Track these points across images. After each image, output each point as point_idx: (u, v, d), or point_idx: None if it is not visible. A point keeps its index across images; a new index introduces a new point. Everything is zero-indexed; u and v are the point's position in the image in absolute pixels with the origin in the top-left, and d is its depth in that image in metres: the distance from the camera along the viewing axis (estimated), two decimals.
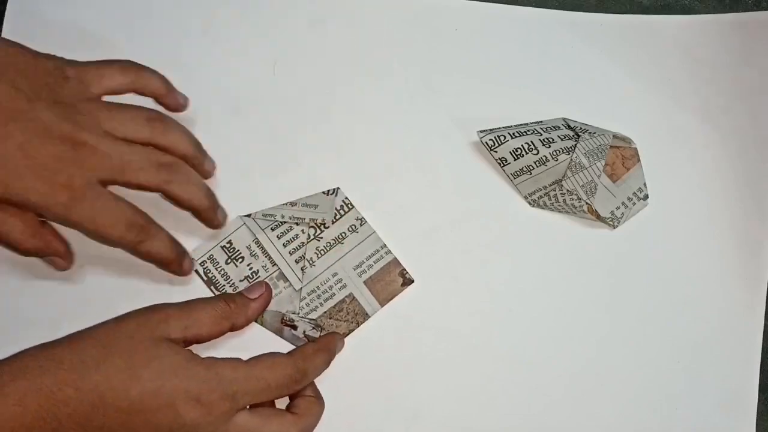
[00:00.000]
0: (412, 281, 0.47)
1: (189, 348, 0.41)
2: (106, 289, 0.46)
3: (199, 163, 0.44)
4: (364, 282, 0.47)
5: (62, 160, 0.39)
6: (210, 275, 0.46)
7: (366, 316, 0.47)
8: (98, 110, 0.41)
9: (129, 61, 0.44)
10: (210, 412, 0.39)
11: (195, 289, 0.46)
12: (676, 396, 0.48)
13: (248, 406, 0.40)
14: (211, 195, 0.44)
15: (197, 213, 0.44)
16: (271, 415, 0.41)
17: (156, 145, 0.42)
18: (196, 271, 0.46)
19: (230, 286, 0.46)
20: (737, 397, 0.48)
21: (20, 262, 0.44)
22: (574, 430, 0.47)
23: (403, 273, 0.48)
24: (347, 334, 0.46)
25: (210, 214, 0.44)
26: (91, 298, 0.46)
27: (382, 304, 0.47)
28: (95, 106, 0.42)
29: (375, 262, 0.47)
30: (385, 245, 0.48)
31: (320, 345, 0.44)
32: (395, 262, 0.47)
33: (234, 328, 0.43)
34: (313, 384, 0.43)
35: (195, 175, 0.43)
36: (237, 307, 0.43)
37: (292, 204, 0.47)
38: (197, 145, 0.44)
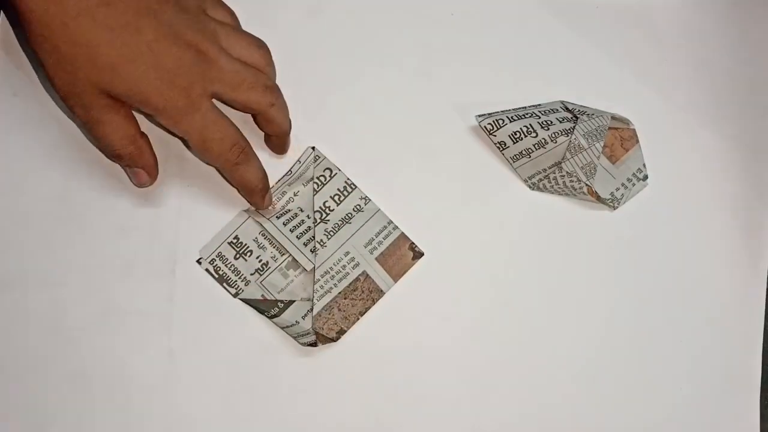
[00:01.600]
0: (422, 254, 0.48)
1: None
2: (107, 282, 0.46)
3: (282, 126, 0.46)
4: (376, 258, 0.47)
5: (185, 66, 0.39)
6: (221, 272, 0.46)
7: (381, 293, 0.47)
8: (218, 26, 0.42)
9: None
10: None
11: (201, 288, 0.47)
12: (679, 376, 0.48)
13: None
14: (290, 121, 0.46)
15: (279, 137, 0.46)
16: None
17: (260, 70, 0.44)
18: (207, 270, 0.46)
19: (242, 281, 0.46)
20: (741, 375, 0.48)
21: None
22: (576, 413, 0.47)
23: (412, 247, 0.48)
24: (364, 313, 0.47)
25: (287, 139, 0.46)
26: (92, 291, 0.46)
27: (395, 280, 0.47)
28: (216, 22, 0.42)
29: (384, 238, 0.47)
30: (391, 221, 0.48)
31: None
32: (403, 236, 0.48)
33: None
34: None
35: (285, 102, 0.45)
36: None
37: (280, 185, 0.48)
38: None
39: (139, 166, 0.44)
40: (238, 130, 0.43)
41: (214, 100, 0.42)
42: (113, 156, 0.43)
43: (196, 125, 0.41)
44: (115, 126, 0.41)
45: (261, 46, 0.45)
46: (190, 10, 0.41)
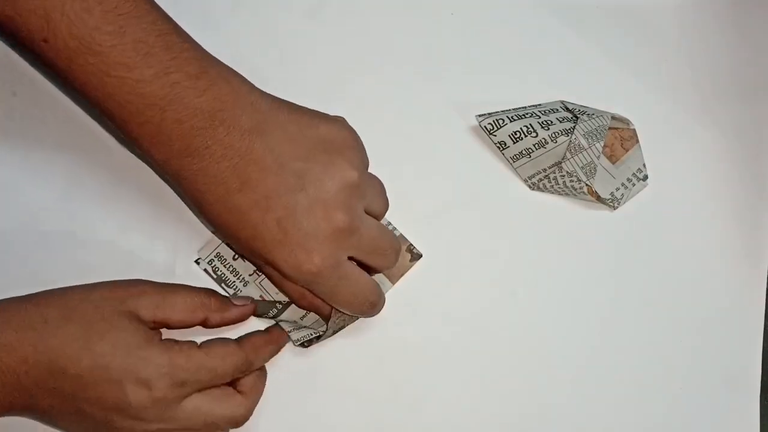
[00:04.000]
0: (421, 256, 0.48)
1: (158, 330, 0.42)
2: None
3: None
4: None
5: (317, 239, 0.40)
6: (219, 273, 0.46)
7: None
8: (368, 187, 0.43)
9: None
10: (157, 397, 0.39)
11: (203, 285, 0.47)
12: (679, 376, 0.48)
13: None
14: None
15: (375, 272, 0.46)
16: (220, 396, 0.42)
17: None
18: (205, 270, 0.46)
19: (240, 281, 0.46)
20: (741, 375, 0.48)
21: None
22: (576, 413, 0.47)
23: (410, 248, 0.48)
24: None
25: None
26: None
27: (393, 282, 0.47)
28: (368, 183, 0.43)
29: None
30: (390, 223, 0.48)
31: (270, 338, 0.45)
32: (402, 238, 0.48)
33: (207, 323, 0.43)
34: None
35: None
36: (216, 304, 0.44)
37: None
38: None
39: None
40: (372, 283, 0.43)
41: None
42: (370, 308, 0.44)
43: (326, 290, 0.42)
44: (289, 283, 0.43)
45: (383, 191, 0.45)
46: (340, 175, 0.41)
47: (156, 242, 0.46)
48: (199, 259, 0.47)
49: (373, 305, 0.44)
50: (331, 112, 0.49)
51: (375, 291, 0.44)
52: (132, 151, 0.47)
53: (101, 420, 0.40)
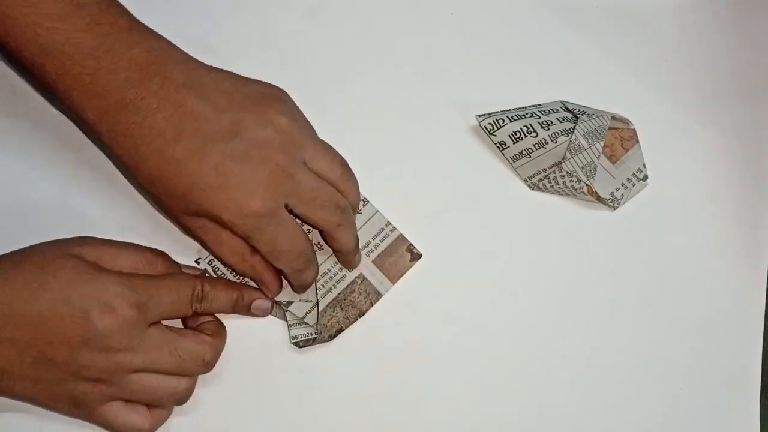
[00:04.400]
0: (420, 256, 0.48)
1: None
2: None
3: (355, 215, 0.46)
4: (373, 261, 0.47)
5: (257, 182, 0.41)
6: (219, 273, 0.46)
7: (378, 295, 0.47)
8: (305, 138, 0.43)
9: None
10: (123, 319, 0.39)
11: None
12: (679, 375, 0.48)
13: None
14: (358, 241, 0.46)
15: (343, 254, 0.46)
16: (185, 331, 0.43)
17: (337, 188, 0.44)
18: (205, 270, 0.46)
19: (240, 280, 0.46)
20: (741, 375, 0.48)
21: None
22: (576, 413, 0.47)
23: (410, 248, 0.48)
24: (362, 314, 0.47)
25: (351, 257, 0.46)
26: None
27: (393, 282, 0.47)
28: (304, 134, 0.43)
29: (381, 241, 0.47)
30: (389, 222, 0.48)
31: (232, 284, 0.45)
32: (401, 238, 0.48)
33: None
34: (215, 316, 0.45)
35: (354, 222, 0.46)
36: (163, 265, 0.43)
37: None
38: (359, 199, 0.46)
39: (259, 280, 0.45)
40: (306, 237, 0.44)
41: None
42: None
43: (266, 237, 0.42)
44: (226, 247, 0.43)
45: (343, 164, 0.45)
46: (275, 122, 0.42)
47: (156, 242, 0.46)
48: (198, 258, 0.47)
49: (308, 263, 0.44)
50: (331, 112, 0.49)
51: (310, 247, 0.44)
52: (63, 112, 0.46)
53: (63, 363, 0.39)
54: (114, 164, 0.45)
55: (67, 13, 0.38)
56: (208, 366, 0.43)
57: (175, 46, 0.42)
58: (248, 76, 0.44)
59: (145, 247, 0.44)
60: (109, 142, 0.41)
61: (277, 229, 0.42)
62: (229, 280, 0.46)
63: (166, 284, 0.41)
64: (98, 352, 0.39)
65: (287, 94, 0.44)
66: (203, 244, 0.44)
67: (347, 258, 0.46)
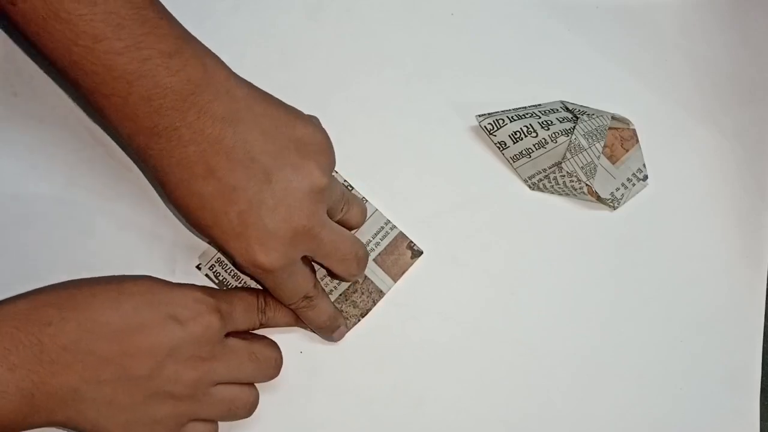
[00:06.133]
0: (421, 252, 0.48)
1: None
2: None
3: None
4: (374, 260, 0.47)
5: (276, 238, 0.40)
6: (221, 278, 0.46)
7: (381, 294, 0.47)
8: (334, 190, 0.43)
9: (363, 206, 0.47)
10: (208, 325, 0.39)
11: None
12: (679, 375, 0.48)
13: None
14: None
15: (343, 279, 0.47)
16: (254, 336, 0.44)
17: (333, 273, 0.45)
18: (207, 276, 0.46)
19: (242, 286, 0.46)
20: (741, 375, 0.48)
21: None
22: (576, 412, 0.47)
23: (411, 246, 0.48)
24: (365, 314, 0.47)
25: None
26: None
27: (395, 280, 0.47)
28: (334, 186, 0.43)
29: (382, 239, 0.47)
30: (389, 221, 0.48)
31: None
32: (401, 235, 0.48)
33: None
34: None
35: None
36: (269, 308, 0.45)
37: None
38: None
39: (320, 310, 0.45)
40: (314, 277, 0.44)
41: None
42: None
43: (272, 285, 0.42)
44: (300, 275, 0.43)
45: (363, 211, 0.46)
46: (312, 187, 0.41)
47: (156, 242, 0.46)
48: (200, 264, 0.46)
49: (309, 299, 0.44)
50: (332, 112, 0.49)
51: (314, 286, 0.44)
52: (97, 123, 0.46)
53: (145, 379, 0.38)
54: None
55: (104, 34, 0.36)
56: (277, 369, 0.44)
57: (222, 66, 0.40)
58: (292, 107, 0.42)
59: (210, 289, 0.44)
60: (142, 161, 0.40)
61: (286, 280, 0.42)
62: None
63: (237, 294, 0.43)
64: (184, 363, 0.39)
65: (329, 139, 0.42)
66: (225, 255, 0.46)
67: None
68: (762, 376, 0.48)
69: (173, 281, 0.44)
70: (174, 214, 0.46)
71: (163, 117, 0.38)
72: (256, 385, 0.43)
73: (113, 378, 0.37)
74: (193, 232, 0.46)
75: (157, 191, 0.46)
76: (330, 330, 0.46)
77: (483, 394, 0.47)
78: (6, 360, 0.35)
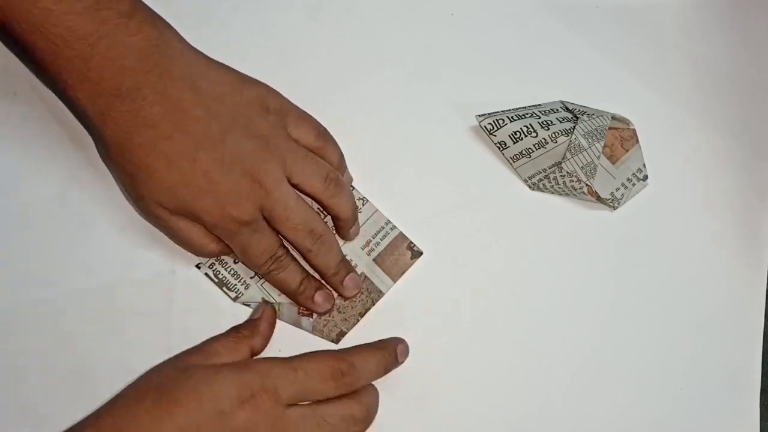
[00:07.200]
0: (421, 253, 0.48)
1: None
2: (107, 282, 0.46)
3: (347, 228, 0.46)
4: (374, 260, 0.47)
5: (239, 193, 0.42)
6: (220, 276, 0.46)
7: (380, 294, 0.47)
8: (287, 151, 0.43)
9: (322, 126, 0.47)
10: (257, 407, 0.38)
11: (201, 288, 0.47)
12: (679, 375, 0.48)
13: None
14: (339, 262, 0.46)
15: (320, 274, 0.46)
16: (324, 402, 0.41)
17: (321, 203, 0.45)
18: (206, 275, 0.46)
19: (242, 285, 0.46)
20: (741, 375, 0.48)
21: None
22: (576, 413, 0.47)
23: (411, 246, 0.48)
24: (363, 314, 0.47)
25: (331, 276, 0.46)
26: (92, 291, 0.46)
27: (394, 280, 0.47)
28: (286, 146, 0.43)
29: (382, 239, 0.47)
30: (389, 221, 0.48)
31: (374, 344, 0.44)
32: (401, 236, 0.48)
33: (253, 351, 0.44)
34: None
35: (333, 245, 0.45)
36: (249, 332, 0.44)
37: None
38: (354, 214, 0.46)
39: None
40: (279, 240, 0.44)
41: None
42: (204, 254, 0.45)
43: (239, 244, 0.43)
44: (194, 232, 0.43)
45: (330, 179, 0.45)
46: (259, 133, 0.43)
47: (156, 242, 0.46)
48: (200, 263, 0.46)
49: (280, 266, 0.44)
50: (331, 112, 0.49)
51: (280, 246, 0.44)
52: (56, 94, 0.43)
53: None
54: (97, 146, 0.43)
55: None
56: (361, 422, 0.42)
57: (178, 35, 0.42)
58: (248, 75, 0.44)
59: (227, 334, 0.44)
60: (100, 125, 0.40)
61: (251, 236, 0.43)
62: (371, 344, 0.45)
63: (293, 362, 0.40)
64: None
65: (282, 98, 0.44)
66: (171, 237, 0.45)
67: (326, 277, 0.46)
68: (762, 376, 0.48)
69: (174, 282, 0.44)
70: (110, 171, 0.45)
71: (126, 77, 0.39)
72: None
73: None
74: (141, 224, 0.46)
75: (108, 160, 0.43)
76: (306, 297, 0.45)
77: (483, 394, 0.47)
78: None
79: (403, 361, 0.45)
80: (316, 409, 0.40)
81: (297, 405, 0.40)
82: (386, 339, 0.45)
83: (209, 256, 0.45)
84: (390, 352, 0.44)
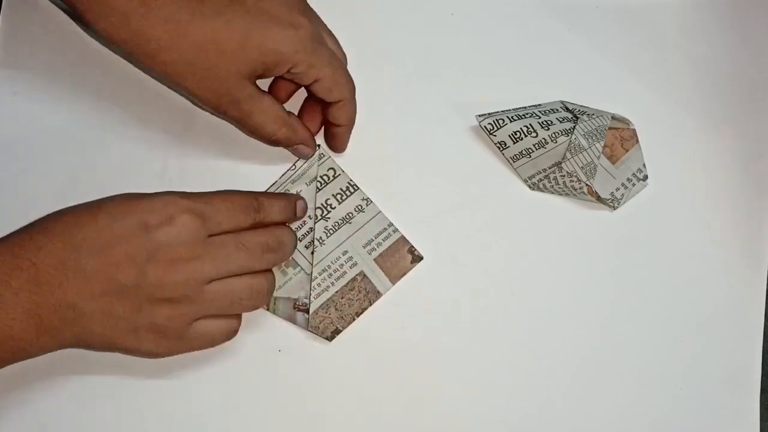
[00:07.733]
0: (421, 258, 0.48)
1: None
2: None
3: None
4: (374, 260, 0.47)
5: (292, 6, 0.43)
6: None
7: (378, 294, 0.47)
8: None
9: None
10: (182, 226, 0.39)
11: None
12: (679, 375, 0.48)
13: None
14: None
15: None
16: (263, 228, 0.43)
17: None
18: None
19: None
20: (741, 375, 0.48)
21: None
22: (576, 413, 0.47)
23: (411, 250, 0.48)
24: (360, 313, 0.47)
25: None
26: None
27: (393, 282, 0.47)
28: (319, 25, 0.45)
29: (383, 240, 0.47)
30: (392, 223, 0.48)
31: (277, 192, 0.47)
32: (403, 239, 0.48)
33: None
34: None
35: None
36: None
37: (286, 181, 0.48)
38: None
39: (297, 143, 0.47)
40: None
41: None
42: (273, 142, 0.46)
43: (325, 58, 0.44)
44: (263, 116, 0.44)
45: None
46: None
47: None
48: None
49: (286, 125, 0.45)
50: None
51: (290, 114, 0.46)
52: (88, 26, 0.42)
53: (133, 287, 0.39)
54: (137, 62, 0.43)
55: None
56: (274, 251, 0.43)
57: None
58: None
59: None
60: (144, 24, 0.40)
61: (327, 50, 0.44)
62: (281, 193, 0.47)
63: (220, 195, 0.42)
64: (165, 266, 0.39)
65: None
66: (242, 121, 0.45)
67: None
68: (762, 376, 0.48)
69: None
70: None
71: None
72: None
73: (104, 290, 0.39)
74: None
75: (161, 66, 0.42)
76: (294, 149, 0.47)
77: (483, 394, 0.47)
78: (9, 285, 0.37)
79: (301, 217, 0.46)
80: (235, 236, 0.41)
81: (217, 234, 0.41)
82: (288, 194, 0.47)
83: (283, 131, 0.45)
84: (290, 204, 0.45)
